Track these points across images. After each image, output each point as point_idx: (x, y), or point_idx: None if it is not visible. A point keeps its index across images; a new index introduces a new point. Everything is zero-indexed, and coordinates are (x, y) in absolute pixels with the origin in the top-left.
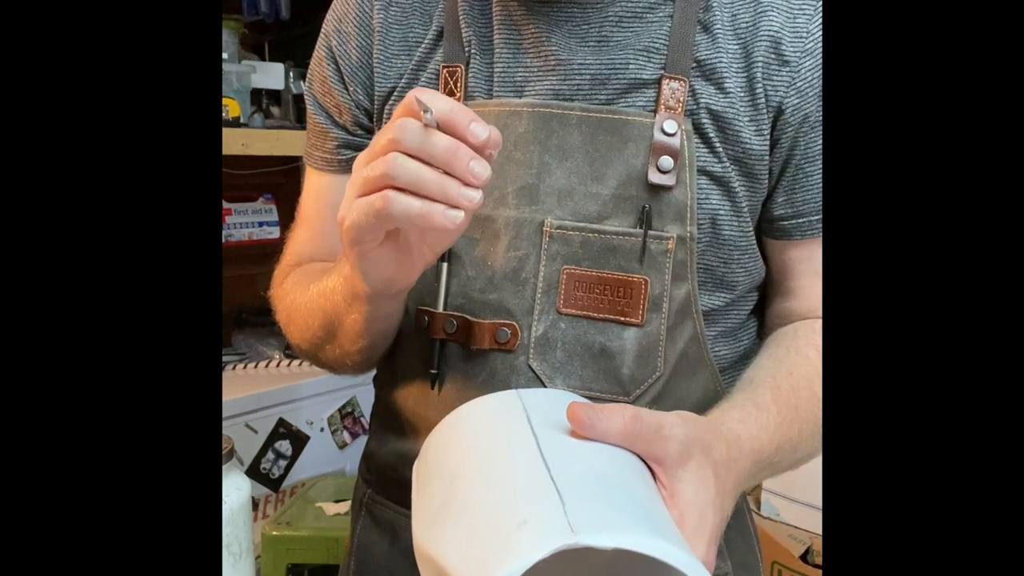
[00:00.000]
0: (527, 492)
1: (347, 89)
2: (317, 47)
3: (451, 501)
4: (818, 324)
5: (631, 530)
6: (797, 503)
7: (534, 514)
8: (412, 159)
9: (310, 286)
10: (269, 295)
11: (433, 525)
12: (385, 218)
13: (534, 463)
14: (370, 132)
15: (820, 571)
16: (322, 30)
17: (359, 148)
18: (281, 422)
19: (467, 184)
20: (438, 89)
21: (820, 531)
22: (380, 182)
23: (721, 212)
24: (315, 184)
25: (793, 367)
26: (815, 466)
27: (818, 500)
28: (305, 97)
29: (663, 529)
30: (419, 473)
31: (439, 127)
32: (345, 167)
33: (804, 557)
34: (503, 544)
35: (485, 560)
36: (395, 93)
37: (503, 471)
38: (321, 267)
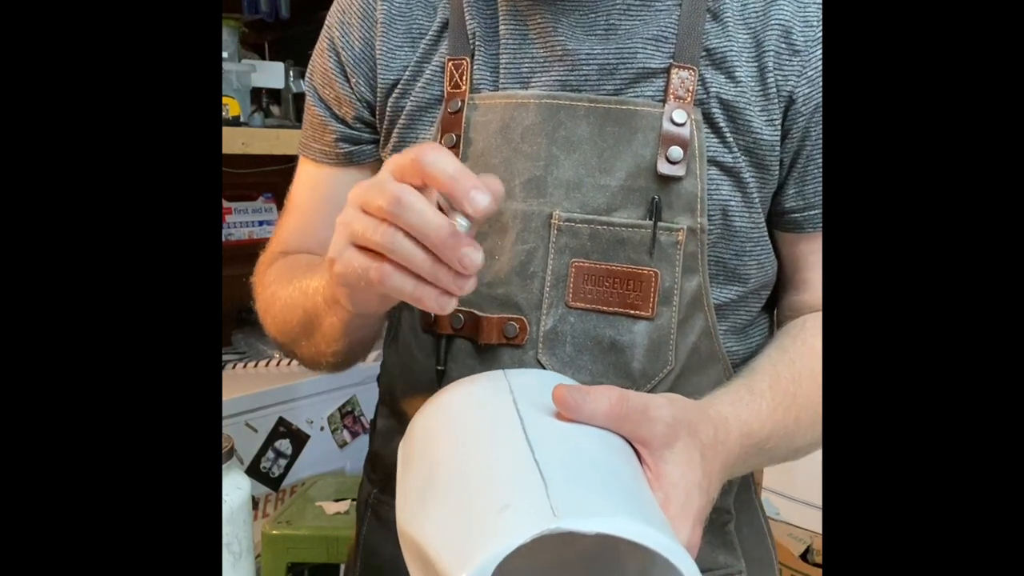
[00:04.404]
0: (510, 475)
1: (348, 81)
2: (319, 39)
3: (434, 483)
4: None
5: (614, 514)
6: (797, 502)
7: (516, 497)
8: (409, 239)
9: (292, 281)
10: (251, 282)
11: (416, 507)
12: (376, 288)
13: (518, 445)
14: (370, 126)
15: (820, 570)
16: (325, 22)
17: (357, 142)
18: (281, 421)
19: (459, 274)
20: (444, 82)
21: (820, 530)
22: (376, 248)
23: (732, 203)
24: (310, 175)
25: (797, 356)
26: (815, 465)
27: (818, 499)
28: (305, 89)
29: (647, 513)
30: (404, 454)
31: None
32: (342, 160)
33: (804, 556)
34: (485, 528)
35: (467, 543)
36: (399, 85)
37: (487, 453)
38: (306, 261)
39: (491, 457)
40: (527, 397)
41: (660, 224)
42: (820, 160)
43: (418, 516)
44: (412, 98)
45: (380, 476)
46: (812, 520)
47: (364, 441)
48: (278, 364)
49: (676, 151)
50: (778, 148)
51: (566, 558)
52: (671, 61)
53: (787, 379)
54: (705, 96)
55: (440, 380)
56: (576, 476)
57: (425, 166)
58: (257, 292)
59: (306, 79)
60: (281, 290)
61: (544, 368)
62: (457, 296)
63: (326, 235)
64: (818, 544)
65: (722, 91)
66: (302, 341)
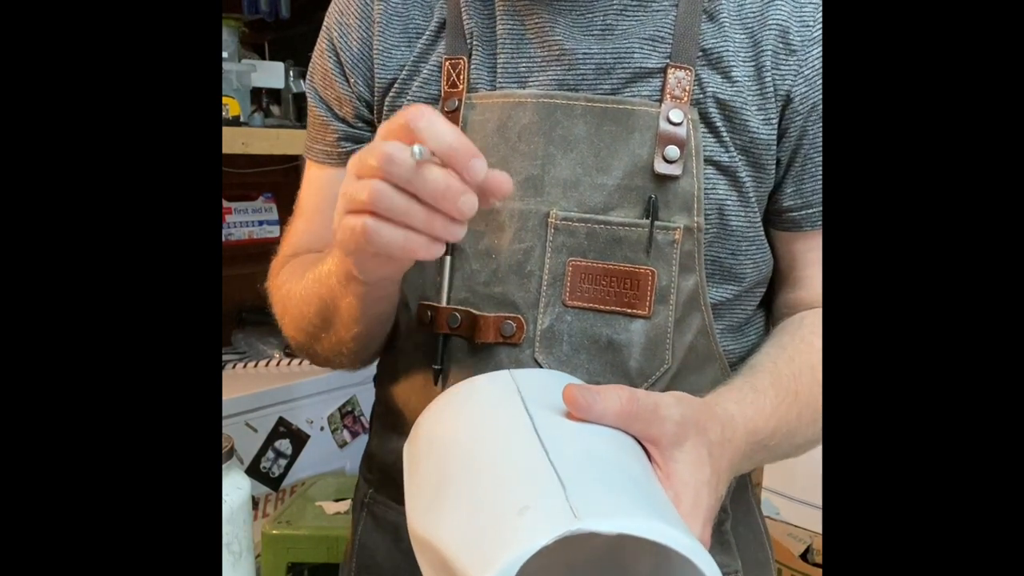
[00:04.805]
0: (526, 476)
1: (348, 81)
2: (319, 40)
3: (447, 485)
4: None
5: (634, 514)
6: (797, 502)
7: (535, 499)
8: (399, 191)
9: (306, 274)
10: (265, 287)
11: (429, 510)
12: (365, 246)
13: (531, 445)
14: (370, 124)
15: (820, 570)
16: (324, 23)
17: (359, 140)
18: (281, 421)
19: (454, 220)
20: (441, 82)
21: (820, 530)
22: (364, 207)
23: (728, 202)
24: (315, 177)
25: (796, 354)
26: (815, 464)
27: (818, 499)
28: (306, 90)
29: (664, 512)
30: (410, 456)
31: (436, 156)
32: (345, 159)
33: (804, 556)
34: (505, 530)
35: (486, 546)
36: (395, 85)
37: (499, 454)
38: (317, 257)
39: (505, 458)
40: (535, 397)
41: (657, 223)
42: (817, 159)
43: (432, 518)
44: (409, 97)
45: (376, 476)
46: (812, 520)
47: (364, 441)
48: (278, 364)
49: (673, 150)
50: (774, 147)
51: (574, 561)
52: (667, 61)
53: (788, 376)
54: (701, 96)
55: (437, 379)
56: (592, 476)
57: (417, 131)
58: (272, 295)
59: (307, 80)
60: (296, 286)
61: (541, 367)
62: (449, 241)
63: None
64: (818, 544)
65: (718, 91)
66: (321, 333)
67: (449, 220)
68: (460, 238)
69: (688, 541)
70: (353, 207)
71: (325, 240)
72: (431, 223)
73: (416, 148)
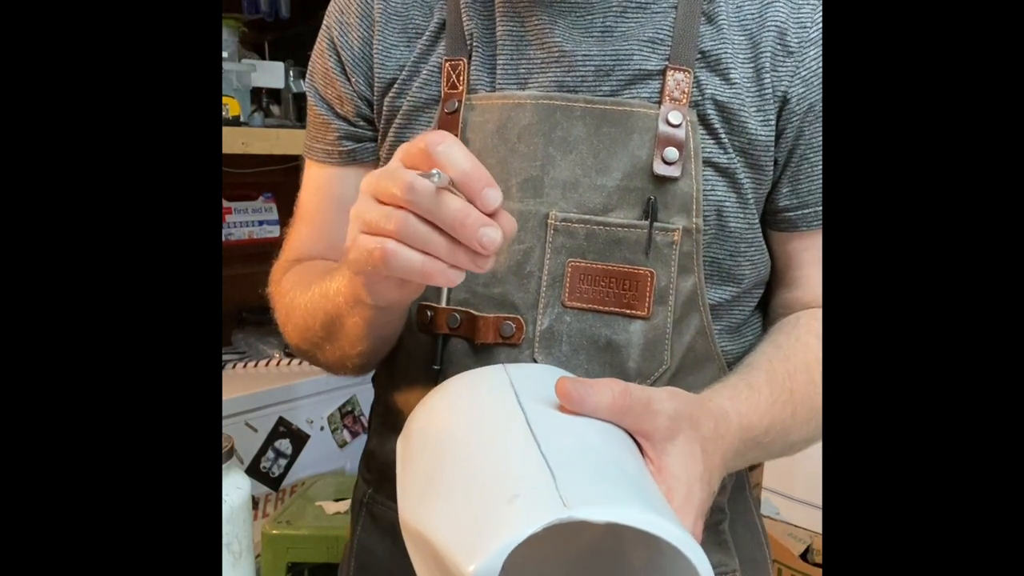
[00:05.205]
0: (517, 467)
1: (349, 80)
2: (319, 39)
3: (438, 477)
4: (821, 312)
5: (624, 504)
6: (797, 502)
7: (525, 488)
8: (423, 222)
9: (311, 286)
10: (267, 292)
11: (421, 501)
12: (383, 270)
13: (523, 437)
14: (371, 123)
15: (820, 570)
16: (324, 22)
17: (360, 139)
18: (281, 421)
19: (477, 253)
20: (441, 82)
21: (820, 530)
22: (390, 236)
23: (727, 204)
24: (315, 177)
25: (791, 353)
26: (815, 464)
27: (818, 499)
28: (306, 89)
29: (655, 503)
30: (403, 449)
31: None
32: (346, 159)
33: (804, 556)
34: (494, 519)
35: (476, 534)
36: (395, 85)
37: (491, 446)
38: (323, 266)
39: (496, 450)
40: (528, 390)
41: (656, 224)
42: (813, 159)
43: (423, 509)
44: (409, 98)
45: (375, 476)
46: (812, 520)
47: (364, 441)
48: (278, 364)
49: (672, 152)
50: (772, 148)
51: (569, 554)
52: (667, 63)
53: (783, 374)
54: (700, 98)
55: (437, 380)
56: (583, 468)
57: (435, 156)
58: (275, 301)
59: (307, 80)
60: (300, 296)
61: None
62: (477, 271)
63: (335, 237)
64: (818, 544)
65: (717, 93)
66: (325, 346)
67: (473, 253)
68: (487, 270)
69: (678, 531)
70: (373, 231)
71: (328, 242)
72: (454, 254)
73: (435, 172)
